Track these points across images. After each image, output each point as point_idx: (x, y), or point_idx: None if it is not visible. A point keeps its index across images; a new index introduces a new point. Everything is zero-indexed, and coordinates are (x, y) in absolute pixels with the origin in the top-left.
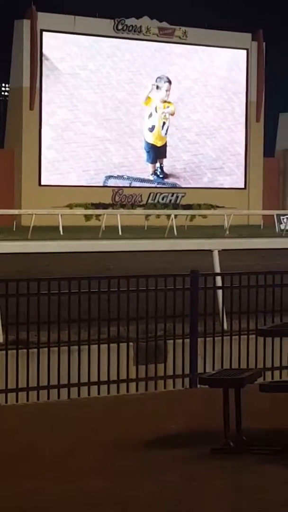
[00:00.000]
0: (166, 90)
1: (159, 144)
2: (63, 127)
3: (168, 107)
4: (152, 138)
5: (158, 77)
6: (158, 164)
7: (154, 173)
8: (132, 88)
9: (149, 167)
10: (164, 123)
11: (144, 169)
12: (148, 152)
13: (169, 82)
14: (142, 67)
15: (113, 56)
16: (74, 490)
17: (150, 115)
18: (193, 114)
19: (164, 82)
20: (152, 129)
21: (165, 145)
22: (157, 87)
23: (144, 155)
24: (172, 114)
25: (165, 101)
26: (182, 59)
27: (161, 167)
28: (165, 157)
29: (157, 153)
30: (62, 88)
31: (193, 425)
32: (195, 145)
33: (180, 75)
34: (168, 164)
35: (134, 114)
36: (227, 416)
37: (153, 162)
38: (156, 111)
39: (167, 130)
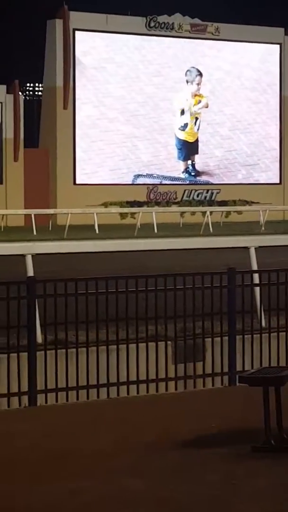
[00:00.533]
0: (197, 84)
1: (191, 140)
2: (96, 125)
3: (200, 101)
4: (183, 135)
5: (188, 70)
6: (189, 162)
7: (186, 171)
8: (160, 82)
9: (181, 165)
10: (196, 118)
11: (175, 167)
12: (179, 149)
13: (200, 74)
14: (172, 60)
15: (145, 53)
16: (113, 490)
17: (182, 112)
18: (225, 108)
19: (196, 76)
20: (184, 127)
21: (197, 141)
22: (187, 82)
23: (174, 152)
24: (206, 107)
25: (196, 95)
26: (213, 50)
27: (193, 165)
28: (197, 153)
29: (188, 149)
30: (95, 86)
31: (233, 423)
32: (228, 140)
33: (211, 67)
34: (200, 161)
35: (163, 109)
36: (267, 414)
37: (185, 159)
38: (188, 108)
39: (199, 126)
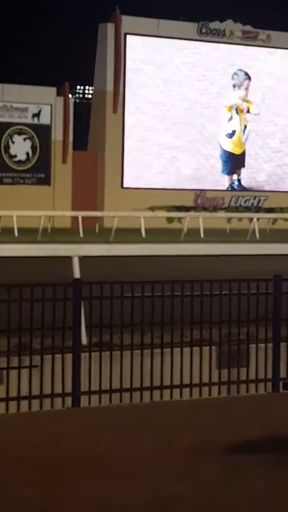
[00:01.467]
0: (246, 88)
1: (238, 152)
2: (145, 130)
3: (248, 108)
4: (230, 145)
5: (235, 73)
6: (235, 176)
7: (231, 186)
8: (204, 87)
9: (225, 179)
10: (245, 126)
11: (218, 182)
12: (225, 161)
13: (249, 78)
14: (220, 65)
15: (195, 59)
16: (157, 495)
17: (230, 119)
18: (276, 118)
19: (244, 79)
20: (232, 134)
21: (243, 154)
22: (234, 86)
23: (218, 165)
24: (256, 114)
25: (244, 100)
26: (263, 53)
27: (239, 180)
28: (243, 166)
29: (234, 162)
30: (145, 91)
31: (276, 430)
32: (278, 153)
33: (262, 72)
34: (246, 175)
35: (207, 117)
36: None
37: (230, 173)
38: (237, 113)
39: (248, 136)
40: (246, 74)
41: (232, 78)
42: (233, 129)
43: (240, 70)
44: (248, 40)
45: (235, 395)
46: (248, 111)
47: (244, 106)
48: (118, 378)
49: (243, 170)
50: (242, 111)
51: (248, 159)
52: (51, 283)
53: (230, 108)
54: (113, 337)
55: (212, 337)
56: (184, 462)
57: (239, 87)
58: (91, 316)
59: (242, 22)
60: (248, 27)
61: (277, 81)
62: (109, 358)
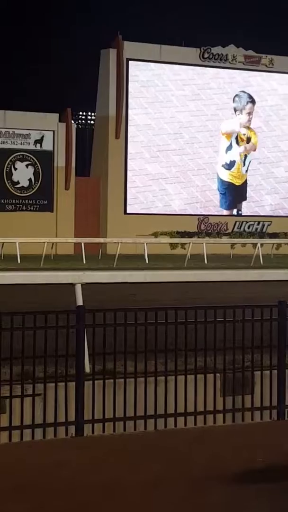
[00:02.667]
0: (249, 113)
1: (238, 183)
2: (148, 156)
3: (249, 138)
4: (228, 176)
5: (237, 95)
6: (235, 211)
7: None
8: (204, 112)
9: (224, 214)
10: (245, 156)
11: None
12: (223, 194)
13: (252, 101)
14: (222, 89)
15: (198, 84)
16: None
17: (230, 148)
18: (281, 143)
19: (247, 102)
20: (230, 165)
21: (245, 184)
22: (235, 110)
23: (216, 198)
24: (254, 150)
25: (247, 127)
26: (267, 77)
27: (240, 215)
28: (245, 199)
29: (235, 195)
30: (147, 117)
31: (281, 458)
32: (285, 184)
33: (265, 95)
34: (248, 210)
35: (204, 144)
36: None
37: (230, 207)
38: (237, 143)
39: (248, 166)
40: (250, 96)
41: (234, 100)
42: (232, 159)
43: (243, 92)
44: (251, 64)
45: (240, 423)
46: (248, 141)
47: (245, 132)
48: (121, 407)
49: (244, 204)
50: (243, 140)
51: (250, 191)
52: (54, 311)
53: (229, 136)
54: (116, 364)
55: (217, 364)
56: (188, 490)
57: (241, 111)
58: (94, 344)
59: (244, 47)
60: (251, 52)
61: (281, 105)
62: (113, 386)
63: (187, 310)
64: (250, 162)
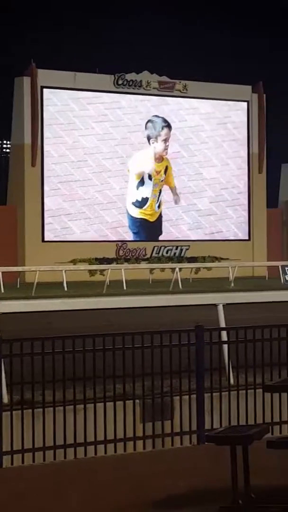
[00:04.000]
0: (164, 140)
1: (152, 219)
2: (65, 183)
3: (166, 168)
4: (139, 213)
5: (149, 121)
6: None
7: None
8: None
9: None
10: (160, 191)
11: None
12: (135, 233)
13: (168, 126)
14: (136, 115)
15: (113, 111)
16: None
17: (142, 184)
18: (204, 169)
19: (162, 128)
20: (142, 203)
21: (160, 219)
22: (149, 139)
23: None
24: (170, 186)
25: (162, 157)
26: (178, 106)
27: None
28: (160, 233)
29: (149, 234)
30: (63, 144)
31: (201, 483)
32: (208, 218)
33: (184, 113)
34: (167, 234)
35: (115, 175)
36: (235, 473)
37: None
38: (149, 177)
39: (160, 202)
40: (164, 120)
41: (146, 127)
42: (144, 197)
43: (157, 116)
44: (165, 90)
45: (160, 449)
46: (165, 172)
47: (160, 166)
48: (41, 437)
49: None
50: (158, 172)
51: (168, 226)
52: None
53: (139, 175)
54: (35, 394)
55: (136, 390)
56: None
57: (156, 138)
58: (11, 374)
59: (158, 73)
60: (165, 78)
61: (202, 125)
62: (31, 416)
63: (105, 337)
64: (162, 197)
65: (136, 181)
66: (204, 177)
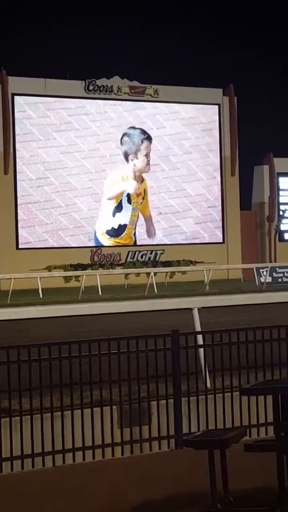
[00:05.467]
0: (146, 155)
1: (130, 243)
2: (38, 190)
3: (145, 191)
4: (112, 241)
5: (125, 134)
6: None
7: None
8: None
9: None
10: (138, 216)
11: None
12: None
13: (148, 138)
14: (111, 123)
15: (84, 117)
16: None
17: (119, 209)
18: (187, 184)
19: (141, 141)
20: (117, 232)
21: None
22: (126, 156)
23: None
24: (145, 214)
25: (139, 177)
26: (152, 115)
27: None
28: (134, 238)
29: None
30: (35, 151)
31: (180, 488)
32: (172, 207)
33: (162, 119)
34: (141, 239)
35: (89, 193)
36: (213, 477)
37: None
38: (128, 201)
39: (136, 228)
40: (144, 132)
41: (122, 142)
42: (121, 223)
43: (133, 128)
44: (136, 95)
45: (139, 454)
46: (144, 196)
47: (138, 186)
48: (19, 445)
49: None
50: (138, 195)
51: (141, 232)
52: None
53: (117, 198)
54: (11, 402)
55: (113, 396)
56: None
57: (135, 154)
58: None
59: (128, 78)
60: (135, 83)
61: (184, 133)
62: (9, 424)
63: (80, 344)
64: (137, 219)
65: (113, 206)
66: (176, 182)
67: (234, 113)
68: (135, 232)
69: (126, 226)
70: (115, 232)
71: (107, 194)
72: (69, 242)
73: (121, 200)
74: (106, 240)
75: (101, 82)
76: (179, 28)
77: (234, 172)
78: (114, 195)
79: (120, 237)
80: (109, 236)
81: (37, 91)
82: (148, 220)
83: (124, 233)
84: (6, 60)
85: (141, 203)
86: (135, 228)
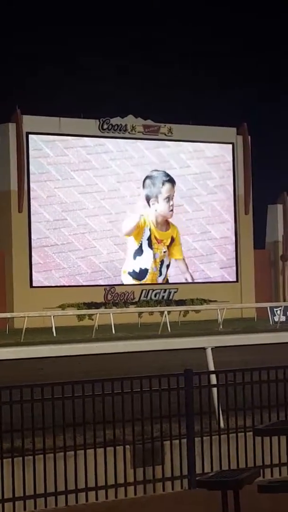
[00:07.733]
0: (167, 198)
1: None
2: (52, 228)
3: (173, 239)
4: (132, 279)
5: (148, 177)
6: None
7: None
8: (118, 193)
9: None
10: (162, 262)
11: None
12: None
13: (171, 181)
14: (131, 164)
15: (99, 156)
16: None
17: (140, 252)
18: (211, 227)
19: (163, 184)
20: (141, 275)
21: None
22: (148, 199)
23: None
24: (177, 258)
25: (166, 220)
26: (167, 155)
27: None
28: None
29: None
30: (49, 190)
31: None
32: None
33: (186, 157)
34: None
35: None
36: None
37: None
38: (151, 246)
39: (167, 272)
40: (166, 175)
41: (144, 185)
42: (143, 268)
43: (156, 170)
44: (150, 134)
45: (152, 494)
46: (171, 243)
47: (163, 235)
48: (32, 484)
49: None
50: (160, 241)
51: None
52: None
53: (138, 236)
54: (25, 441)
55: (126, 435)
56: None
57: (156, 197)
58: (0, 422)
59: (142, 117)
60: (149, 122)
61: (209, 172)
62: (22, 463)
63: (94, 383)
64: (168, 266)
65: (135, 246)
66: (192, 222)
67: (248, 152)
68: (162, 275)
69: (147, 271)
70: (137, 275)
71: (124, 230)
72: (82, 281)
73: (141, 243)
74: (130, 279)
75: (115, 121)
76: (193, 68)
77: (248, 210)
78: (131, 231)
79: (143, 280)
80: (131, 277)
81: (52, 130)
82: (182, 265)
83: (146, 278)
84: (20, 99)
85: (164, 251)
86: (160, 274)
